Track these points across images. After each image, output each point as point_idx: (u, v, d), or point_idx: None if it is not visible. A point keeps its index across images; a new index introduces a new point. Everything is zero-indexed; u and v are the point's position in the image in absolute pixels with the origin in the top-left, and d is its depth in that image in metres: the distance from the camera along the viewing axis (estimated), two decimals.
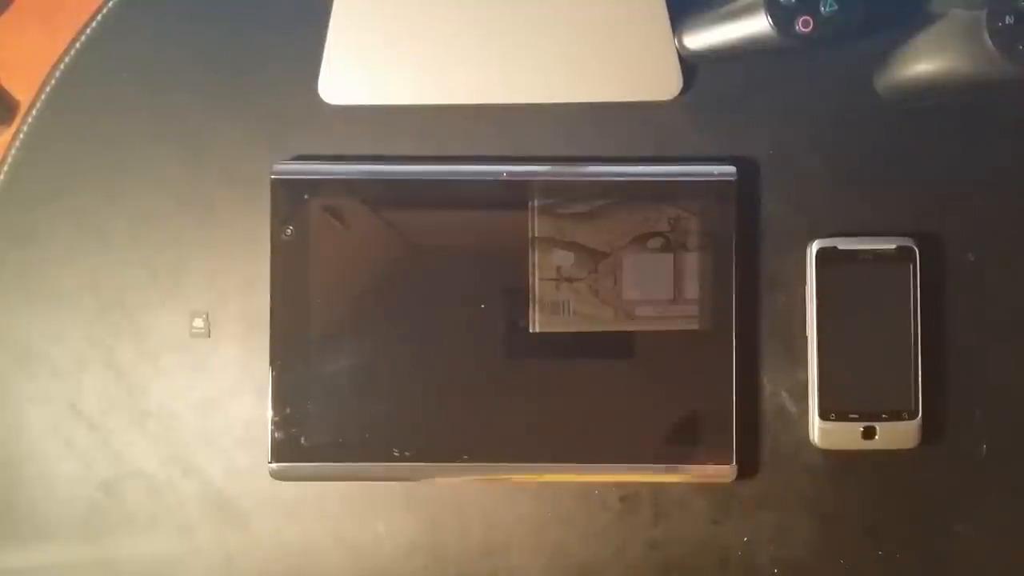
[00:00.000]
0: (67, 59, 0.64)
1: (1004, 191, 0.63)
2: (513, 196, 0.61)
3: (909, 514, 0.62)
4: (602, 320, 0.61)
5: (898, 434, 0.61)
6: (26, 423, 0.63)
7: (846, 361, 0.61)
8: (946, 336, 0.63)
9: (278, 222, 0.61)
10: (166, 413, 0.63)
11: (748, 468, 0.62)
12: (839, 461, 0.62)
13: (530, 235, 0.61)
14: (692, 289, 0.61)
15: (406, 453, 0.61)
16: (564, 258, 0.61)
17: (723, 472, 0.61)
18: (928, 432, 0.61)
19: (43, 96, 0.64)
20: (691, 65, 0.63)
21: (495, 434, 0.61)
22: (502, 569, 0.63)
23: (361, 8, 0.62)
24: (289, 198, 0.61)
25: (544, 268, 0.61)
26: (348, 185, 0.61)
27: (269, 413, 0.61)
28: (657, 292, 0.61)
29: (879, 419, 0.61)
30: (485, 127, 0.63)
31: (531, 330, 0.61)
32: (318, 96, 0.63)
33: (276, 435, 0.61)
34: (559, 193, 0.61)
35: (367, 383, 0.61)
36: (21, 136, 0.63)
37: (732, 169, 0.62)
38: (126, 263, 0.63)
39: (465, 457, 0.61)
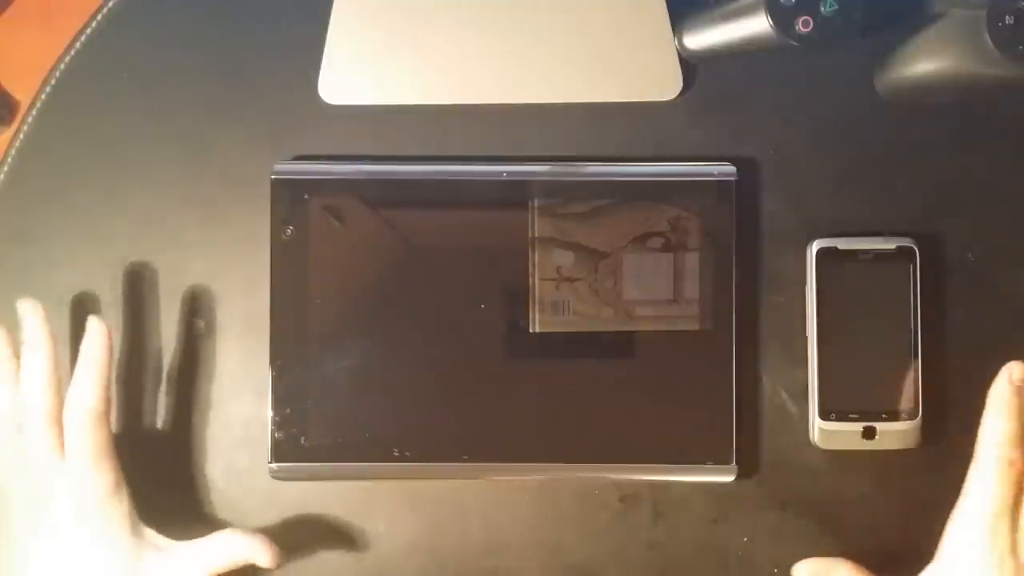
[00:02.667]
0: (67, 59, 0.64)
1: (1004, 191, 0.63)
2: (513, 196, 0.61)
3: (909, 514, 0.62)
4: (602, 320, 0.61)
5: (898, 434, 0.61)
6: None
7: (846, 361, 0.61)
8: (947, 336, 0.63)
9: (278, 222, 0.61)
10: (166, 413, 0.63)
11: (748, 468, 0.62)
12: (839, 461, 0.62)
13: (530, 235, 0.61)
14: (692, 289, 0.61)
15: (406, 453, 0.61)
16: (564, 258, 0.61)
17: (723, 472, 0.61)
18: (928, 432, 0.61)
19: (43, 96, 0.64)
20: (691, 65, 0.63)
21: (495, 434, 0.61)
22: (502, 569, 0.63)
23: (361, 8, 0.62)
24: (289, 198, 0.61)
25: (544, 268, 0.61)
26: (348, 185, 0.61)
27: (269, 413, 0.61)
28: (657, 292, 0.61)
29: (879, 419, 0.61)
30: (485, 127, 0.63)
31: (531, 330, 0.61)
32: (318, 96, 0.63)
33: (276, 435, 0.61)
34: (559, 193, 0.61)
35: (367, 383, 0.61)
36: (21, 136, 0.63)
37: (732, 169, 0.62)
38: (126, 263, 0.63)
39: (465, 457, 0.61)
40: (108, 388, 0.57)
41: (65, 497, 0.56)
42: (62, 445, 0.56)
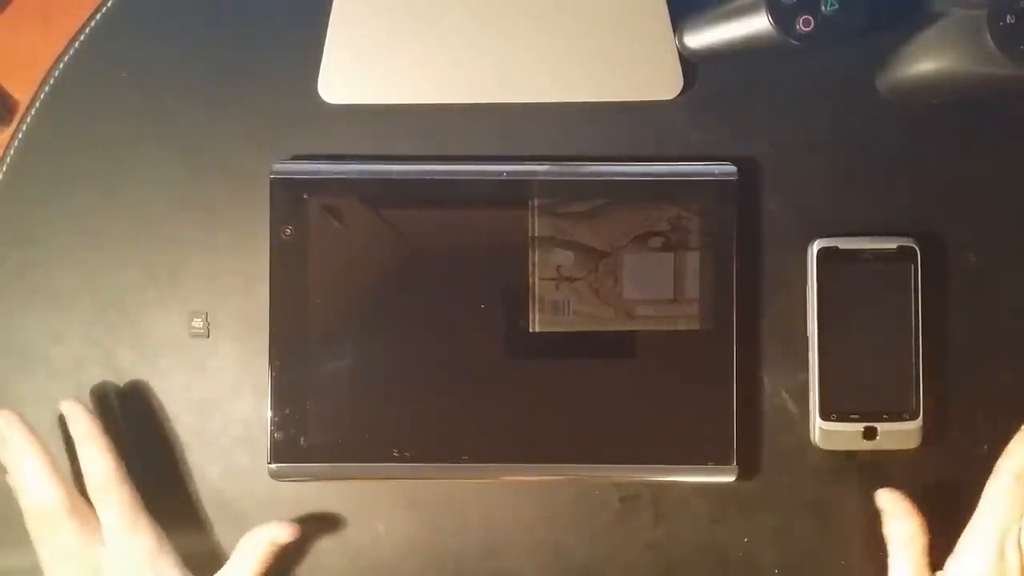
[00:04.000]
0: (67, 59, 0.63)
1: (1005, 191, 0.63)
2: (513, 196, 0.61)
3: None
4: (602, 320, 0.61)
5: (899, 435, 0.61)
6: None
7: (847, 361, 0.61)
8: (948, 336, 0.63)
9: (277, 222, 0.61)
10: (165, 413, 0.63)
11: (748, 468, 0.62)
12: (840, 462, 0.62)
13: (530, 235, 0.61)
14: (693, 289, 0.61)
15: (406, 453, 0.61)
16: (564, 257, 0.61)
17: (724, 472, 0.61)
18: (929, 433, 0.61)
19: (43, 96, 0.64)
20: (692, 64, 0.63)
21: (495, 434, 0.61)
22: (502, 569, 0.63)
23: (361, 8, 0.62)
24: (288, 198, 0.61)
25: (544, 268, 0.61)
26: (348, 185, 0.61)
27: (268, 413, 0.61)
28: (657, 292, 0.61)
29: (880, 420, 0.61)
30: (485, 127, 0.63)
31: (531, 330, 0.61)
32: (318, 96, 0.63)
33: (275, 435, 0.61)
34: (559, 193, 0.61)
35: (367, 383, 0.61)
36: (20, 136, 0.63)
37: (733, 168, 0.61)
38: (125, 263, 0.63)
39: (465, 457, 0.61)
40: (113, 453, 0.60)
41: (114, 570, 0.58)
42: (90, 525, 0.59)
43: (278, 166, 0.62)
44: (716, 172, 0.61)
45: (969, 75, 0.57)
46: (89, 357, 0.63)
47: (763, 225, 0.63)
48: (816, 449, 0.62)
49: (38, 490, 0.59)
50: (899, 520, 0.60)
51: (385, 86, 0.63)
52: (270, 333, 0.61)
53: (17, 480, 0.59)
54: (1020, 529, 0.57)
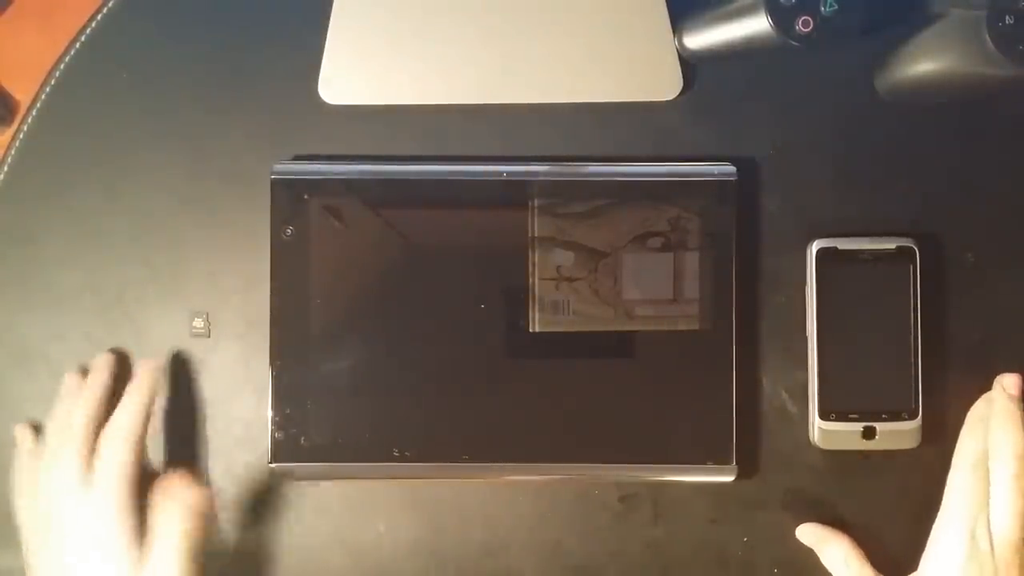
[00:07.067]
0: (67, 59, 0.64)
1: (1004, 191, 0.63)
2: (513, 196, 0.61)
3: (909, 514, 0.62)
4: (602, 320, 0.61)
5: (898, 434, 0.61)
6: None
7: (846, 361, 0.61)
8: (946, 336, 0.63)
9: (278, 222, 0.61)
10: (166, 413, 0.63)
11: (748, 468, 0.62)
12: (839, 461, 0.62)
13: (530, 235, 0.61)
14: (692, 289, 0.61)
15: (406, 453, 0.61)
16: (564, 258, 0.61)
17: (723, 472, 0.61)
18: (928, 432, 0.61)
19: (43, 96, 0.64)
20: (691, 65, 0.63)
21: (495, 434, 0.61)
22: (502, 569, 0.63)
23: (361, 8, 0.62)
24: (289, 198, 0.61)
25: (544, 268, 0.61)
26: (348, 185, 0.61)
27: (269, 413, 0.61)
28: (657, 292, 0.61)
29: (879, 419, 0.61)
30: (485, 127, 0.63)
31: (531, 330, 0.61)
32: (318, 96, 0.63)
33: (276, 435, 0.61)
34: (559, 193, 0.61)
35: (367, 383, 0.61)
36: (21, 136, 0.64)
37: (732, 169, 0.62)
38: (126, 263, 0.63)
39: (465, 457, 0.61)
40: (146, 426, 0.59)
41: (80, 522, 0.57)
42: (84, 466, 0.58)
43: (279, 167, 0.62)
44: (716, 172, 0.62)
45: (968, 76, 0.57)
46: (90, 356, 0.63)
47: (762, 225, 0.63)
48: (815, 449, 0.62)
49: (84, 414, 0.59)
50: (828, 546, 0.61)
51: (385, 87, 0.63)
52: (271, 333, 0.61)
53: (75, 406, 0.59)
54: (987, 515, 0.58)
